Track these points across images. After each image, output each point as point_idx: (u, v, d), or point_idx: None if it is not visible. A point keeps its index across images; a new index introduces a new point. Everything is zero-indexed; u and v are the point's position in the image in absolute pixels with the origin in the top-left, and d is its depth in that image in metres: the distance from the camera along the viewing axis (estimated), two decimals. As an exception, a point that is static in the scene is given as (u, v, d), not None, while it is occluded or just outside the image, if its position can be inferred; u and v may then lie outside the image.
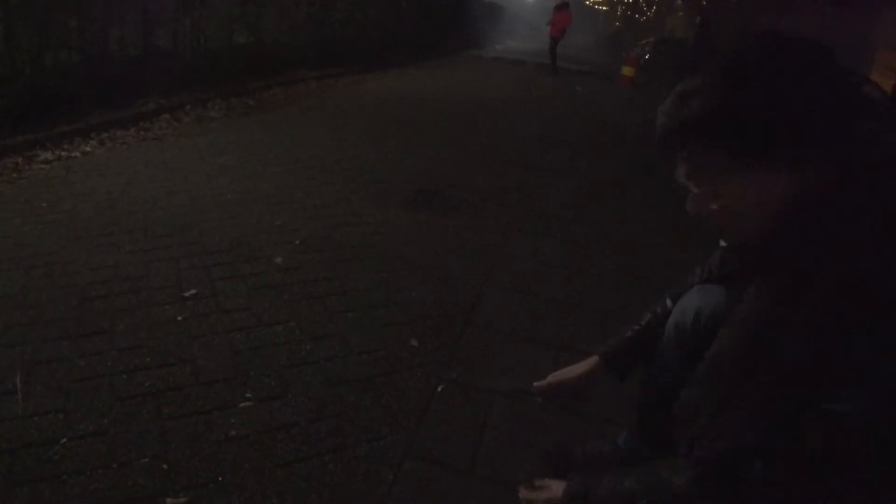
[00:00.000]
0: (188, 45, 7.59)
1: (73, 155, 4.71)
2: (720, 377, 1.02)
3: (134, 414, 1.97)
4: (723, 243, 1.27)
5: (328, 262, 3.22)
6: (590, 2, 38.59)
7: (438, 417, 2.10)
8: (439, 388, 2.27)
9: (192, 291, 2.77)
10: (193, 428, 1.93)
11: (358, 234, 3.63)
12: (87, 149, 4.90)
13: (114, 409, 1.98)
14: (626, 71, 16.75)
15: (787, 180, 0.88)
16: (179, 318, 2.54)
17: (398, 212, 4.07)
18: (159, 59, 7.06)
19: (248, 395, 2.11)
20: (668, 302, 1.56)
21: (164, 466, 1.76)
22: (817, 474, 0.86)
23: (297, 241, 3.43)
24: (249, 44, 8.95)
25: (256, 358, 2.33)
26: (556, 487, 1.36)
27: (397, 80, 11.38)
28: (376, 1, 12.70)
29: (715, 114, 0.88)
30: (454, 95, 9.95)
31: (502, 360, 2.47)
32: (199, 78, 7.46)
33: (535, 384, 1.74)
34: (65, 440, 1.83)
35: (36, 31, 5.42)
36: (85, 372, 2.15)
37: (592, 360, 1.66)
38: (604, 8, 37.88)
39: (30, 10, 5.31)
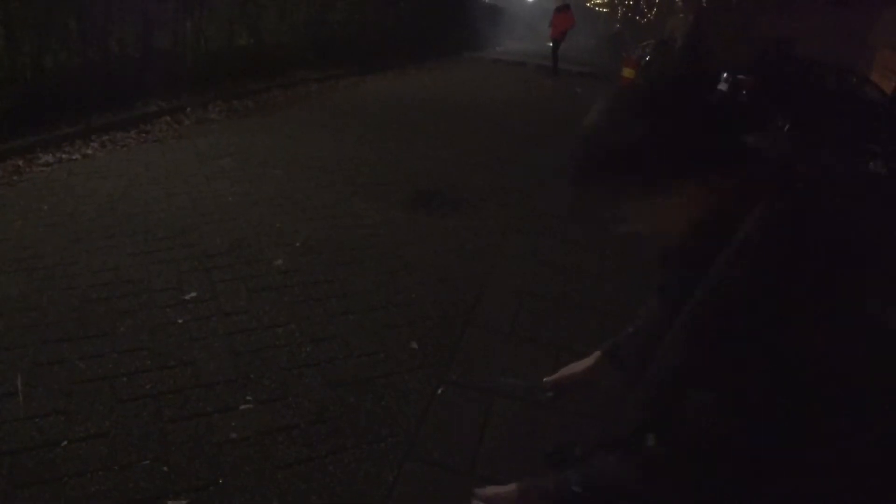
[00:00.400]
0: (188, 46, 7.59)
1: (73, 157, 4.71)
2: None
3: (135, 416, 1.97)
4: None
5: (328, 264, 3.22)
6: (591, 3, 38.62)
7: (439, 419, 2.11)
8: (439, 390, 2.28)
9: (193, 294, 2.77)
10: (194, 430, 1.93)
11: (358, 235, 3.64)
12: (88, 151, 4.90)
13: (115, 412, 1.98)
14: (627, 73, 16.74)
15: (695, 200, 1.00)
16: (180, 321, 2.55)
17: (398, 213, 4.07)
18: (159, 61, 7.05)
19: (249, 397, 2.12)
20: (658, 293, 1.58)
21: (165, 468, 1.76)
22: (694, 452, 0.94)
23: (298, 244, 3.43)
24: (249, 45, 8.94)
25: (257, 360, 2.33)
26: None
27: (397, 81, 11.38)
28: (376, 2, 12.69)
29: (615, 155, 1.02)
30: (454, 96, 9.95)
31: (502, 361, 2.48)
32: (200, 80, 7.45)
33: (545, 379, 1.72)
34: (66, 442, 1.83)
35: (36, 33, 5.41)
36: (86, 374, 2.16)
37: (596, 355, 1.67)
38: (604, 10, 37.90)
39: (30, 11, 5.31)
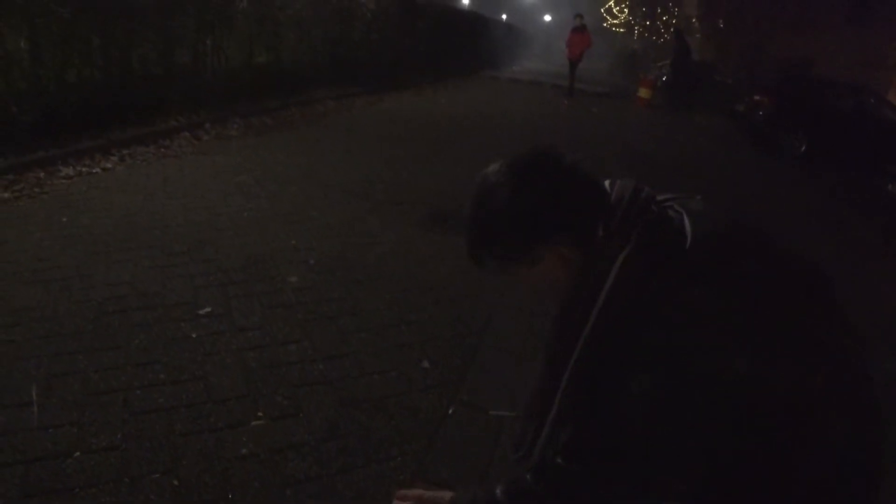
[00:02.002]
0: (208, 64, 7.71)
1: (93, 171, 4.79)
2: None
3: (147, 429, 1.98)
4: None
5: (342, 282, 3.24)
6: (607, 23, 38.77)
7: (449, 439, 2.10)
8: (450, 411, 2.27)
9: (207, 309, 2.80)
10: (205, 445, 1.94)
11: (372, 254, 3.66)
12: (108, 165, 4.98)
13: (127, 424, 2.00)
14: (643, 93, 16.77)
15: (548, 268, 1.13)
16: (194, 336, 2.57)
17: (412, 231, 4.09)
18: (180, 78, 7.17)
19: (260, 413, 2.12)
20: None
21: (175, 482, 1.77)
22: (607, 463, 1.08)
23: (312, 261, 3.45)
24: (268, 63, 9.08)
25: (269, 376, 2.34)
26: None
27: (413, 99, 11.48)
28: (393, 22, 12.83)
29: (476, 242, 1.19)
30: (470, 116, 10.01)
31: (514, 382, 2.46)
32: (219, 96, 7.57)
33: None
34: (78, 453, 1.85)
35: (60, 49, 5.53)
36: (100, 386, 2.18)
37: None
38: (621, 30, 38.03)
39: (54, 28, 5.43)
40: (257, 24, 8.52)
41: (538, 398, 1.18)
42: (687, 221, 1.06)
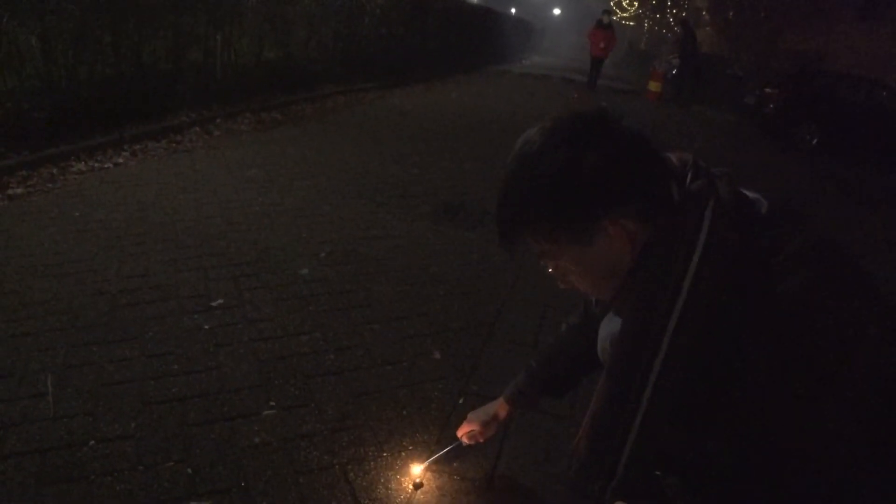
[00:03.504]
0: (219, 60, 7.74)
1: (105, 166, 4.82)
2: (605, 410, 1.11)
3: (161, 419, 2.00)
4: None
5: (353, 275, 3.25)
6: (617, 17, 38.58)
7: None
8: (461, 401, 2.28)
9: (220, 301, 2.81)
10: (218, 434, 1.96)
11: (383, 247, 3.66)
12: (120, 160, 5.01)
13: (141, 414, 2.01)
14: (653, 86, 16.72)
15: (610, 246, 0.98)
16: (207, 327, 2.58)
17: (422, 225, 4.10)
18: (191, 73, 7.20)
19: (273, 403, 2.14)
20: (563, 326, 1.67)
21: (189, 471, 1.79)
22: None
23: (323, 254, 3.46)
24: (278, 59, 9.09)
25: (281, 367, 2.36)
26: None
27: (423, 94, 11.47)
28: (403, 17, 12.82)
29: (516, 218, 1.05)
30: (479, 110, 10.00)
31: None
32: (230, 92, 7.59)
33: (457, 433, 1.87)
34: (93, 442, 1.87)
35: (71, 45, 5.57)
36: (114, 377, 2.20)
37: (500, 402, 1.81)
38: (631, 23, 37.85)
39: (66, 24, 5.47)
40: (267, 20, 8.53)
41: (610, 411, 1.04)
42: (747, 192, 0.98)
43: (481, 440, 1.84)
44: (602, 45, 15.75)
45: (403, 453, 1.96)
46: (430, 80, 13.52)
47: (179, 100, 6.74)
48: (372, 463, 1.90)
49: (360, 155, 5.92)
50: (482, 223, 4.23)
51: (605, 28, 15.73)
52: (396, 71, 12.26)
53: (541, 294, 3.22)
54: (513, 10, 47.35)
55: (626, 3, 38.35)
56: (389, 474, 1.87)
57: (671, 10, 29.60)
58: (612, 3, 39.16)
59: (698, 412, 0.95)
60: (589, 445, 1.17)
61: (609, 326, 1.47)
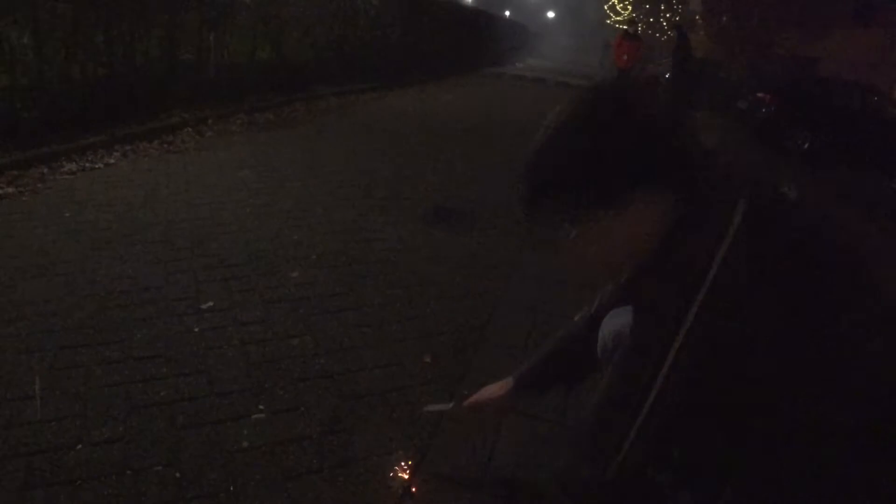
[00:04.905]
0: (212, 60, 7.71)
1: (97, 166, 4.80)
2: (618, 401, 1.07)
3: (149, 422, 1.99)
4: None
5: (344, 278, 3.25)
6: (611, 20, 38.71)
7: (449, 433, 2.11)
8: (451, 405, 2.27)
9: (210, 304, 2.80)
10: (207, 437, 1.95)
11: (374, 250, 3.66)
12: (111, 160, 4.99)
13: (129, 417, 2.00)
14: (645, 90, 16.70)
15: (643, 218, 0.98)
16: (196, 330, 2.57)
17: (414, 228, 4.09)
18: (183, 74, 7.17)
19: (262, 406, 2.13)
20: (577, 318, 1.66)
21: (177, 474, 1.78)
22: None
23: (314, 256, 3.46)
24: (272, 59, 9.08)
25: (271, 370, 2.35)
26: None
27: (417, 96, 11.47)
28: (397, 19, 12.83)
29: (549, 184, 1.03)
30: (473, 112, 10.01)
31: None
32: (222, 92, 7.58)
33: (465, 403, 1.83)
34: (80, 446, 1.85)
35: (64, 45, 5.54)
36: (102, 379, 2.18)
37: (509, 382, 1.75)
38: (624, 27, 37.98)
39: (58, 24, 5.44)
40: (261, 20, 8.52)
41: (622, 392, 1.03)
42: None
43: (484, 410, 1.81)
44: (625, 56, 15.41)
45: (393, 457, 1.96)
46: (424, 82, 13.52)
47: (172, 100, 6.71)
48: (361, 467, 1.90)
49: (352, 157, 5.91)
50: (474, 226, 4.24)
51: (630, 39, 15.40)
52: (390, 73, 12.26)
53: (532, 298, 3.23)
54: (507, 13, 47.46)
55: (620, 7, 38.45)
56: (379, 479, 1.86)
57: (664, 15, 29.72)
58: (605, 7, 39.33)
59: (709, 394, 0.93)
60: (590, 431, 1.17)
61: (612, 322, 1.47)
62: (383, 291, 3.14)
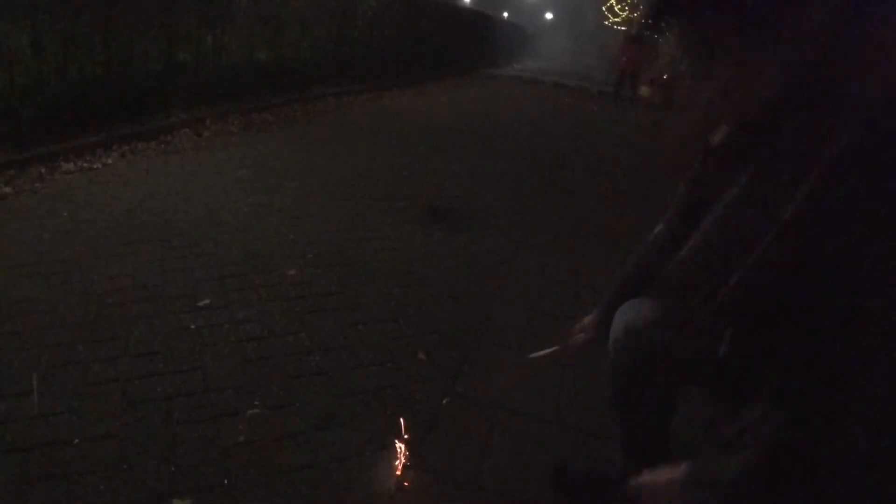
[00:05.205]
0: (210, 60, 7.73)
1: (95, 166, 4.81)
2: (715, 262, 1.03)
3: (145, 418, 2.01)
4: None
5: (340, 276, 3.27)
6: (608, 21, 38.75)
7: (444, 430, 2.13)
8: (445, 402, 2.30)
9: (206, 301, 2.82)
10: (202, 433, 1.97)
11: (371, 249, 3.68)
12: (109, 160, 5.01)
13: (126, 413, 2.02)
14: (644, 91, 16.77)
15: (784, 51, 0.88)
16: (193, 327, 2.59)
17: (411, 228, 4.11)
18: (181, 74, 7.18)
19: (257, 402, 2.15)
20: (649, 238, 1.60)
21: (172, 469, 1.80)
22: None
23: (311, 255, 3.48)
24: (270, 60, 9.10)
25: (266, 367, 2.37)
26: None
27: (415, 97, 11.50)
28: (395, 20, 12.86)
29: None
30: (470, 113, 10.03)
31: (509, 376, 2.49)
32: (220, 93, 7.60)
33: (562, 344, 1.81)
34: (77, 441, 1.87)
35: (62, 45, 5.56)
36: (99, 376, 2.20)
37: (595, 316, 1.72)
38: (622, 28, 37.99)
39: (56, 23, 5.46)
40: (259, 20, 8.54)
41: (730, 241, 0.97)
42: None
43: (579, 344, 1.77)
44: (624, 58, 15.39)
45: (387, 452, 1.97)
46: (421, 82, 13.55)
47: (170, 100, 6.72)
48: (355, 463, 1.92)
49: (349, 157, 5.93)
50: (471, 227, 4.26)
51: (632, 42, 15.42)
52: (388, 73, 12.29)
53: (528, 298, 3.25)
54: (505, 14, 47.49)
55: (619, 8, 38.49)
56: (372, 474, 1.88)
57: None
58: (604, 8, 39.36)
59: (791, 288, 0.87)
60: (685, 276, 1.19)
61: (622, 318, 1.49)
62: (379, 290, 3.16)
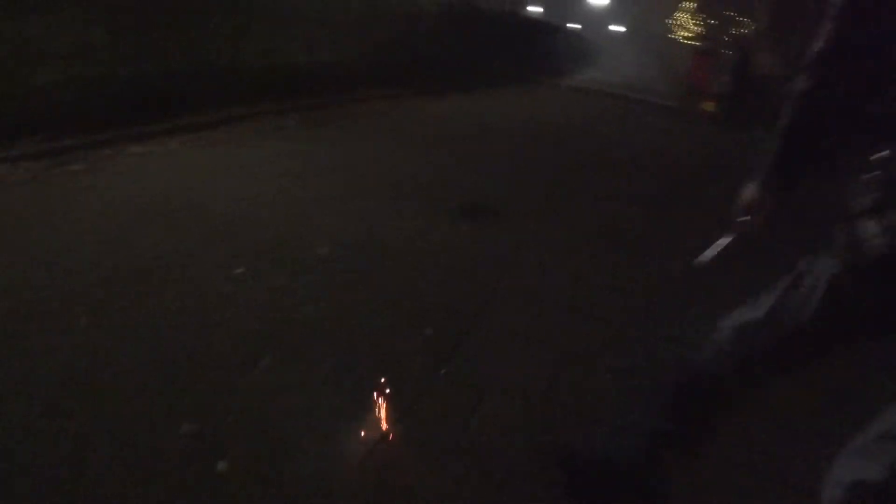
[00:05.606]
0: (271, 59, 8.16)
1: (157, 151, 5.23)
2: None
3: (170, 359, 2.30)
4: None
5: (367, 258, 3.51)
6: (675, 34, 38.24)
7: (437, 397, 2.33)
8: (443, 371, 2.50)
9: (241, 270, 3.12)
10: (217, 376, 2.24)
11: (399, 237, 3.91)
12: (172, 146, 5.42)
13: (155, 352, 2.33)
14: (706, 105, 16.55)
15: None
16: (225, 291, 2.89)
17: (440, 221, 4.32)
18: (245, 72, 7.63)
19: (270, 356, 2.41)
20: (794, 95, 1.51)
21: (187, 400, 2.08)
22: None
23: (342, 238, 3.73)
24: (329, 61, 9.49)
25: (284, 328, 2.63)
26: None
27: (467, 102, 11.69)
28: (453, 26, 13.12)
29: None
30: (521, 120, 10.16)
31: (505, 355, 2.67)
32: (280, 90, 8.00)
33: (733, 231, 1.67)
34: (113, 368, 2.18)
35: (135, 40, 6.04)
36: (136, 320, 2.55)
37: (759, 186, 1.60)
38: (692, 42, 37.43)
39: (130, 21, 5.95)
40: (319, 24, 8.94)
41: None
42: None
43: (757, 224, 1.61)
44: (694, 71, 15.23)
45: (377, 415, 2.17)
46: (478, 89, 13.73)
47: (233, 95, 7.16)
48: (350, 412, 2.14)
49: (393, 155, 6.20)
50: (497, 223, 4.43)
51: (702, 55, 15.26)
52: (444, 78, 12.55)
53: (539, 291, 3.42)
54: (575, 26, 47.25)
55: (693, 24, 37.92)
56: (364, 427, 2.09)
57: (735, 31, 29.22)
58: (673, 22, 38.85)
59: None
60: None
61: (734, 321, 1.61)
62: (400, 272, 3.39)
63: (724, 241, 1.66)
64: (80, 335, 2.39)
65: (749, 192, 1.60)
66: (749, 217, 1.59)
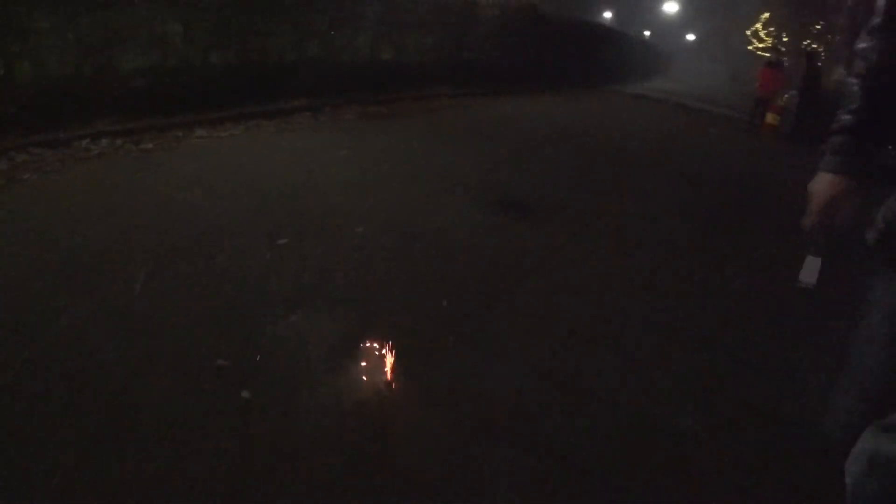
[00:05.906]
0: (335, 56, 8.58)
1: (222, 135, 5.67)
2: None
3: (210, 304, 2.63)
4: None
5: (402, 239, 3.79)
6: (752, 47, 37.35)
7: (441, 363, 2.55)
8: (450, 340, 2.74)
9: (284, 241, 3.45)
10: (248, 325, 2.55)
11: (435, 223, 4.18)
12: (235, 132, 5.86)
13: (198, 303, 2.66)
14: (770, 118, 16.22)
15: None
16: (267, 256, 3.22)
17: (476, 211, 4.56)
18: (309, 66, 8.07)
19: (298, 312, 2.71)
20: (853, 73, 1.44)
21: (222, 344, 2.39)
22: None
23: (379, 220, 4.03)
24: (392, 60, 9.87)
25: (313, 291, 2.93)
26: None
27: (527, 105, 11.91)
28: (517, 29, 13.33)
29: None
30: (576, 123, 10.30)
31: (515, 333, 2.88)
32: (343, 85, 8.43)
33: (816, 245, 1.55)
34: (156, 316, 2.52)
35: (208, 34, 6.52)
36: (188, 278, 2.88)
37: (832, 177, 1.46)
38: (766, 54, 36.51)
39: (204, 16, 6.43)
40: (385, 24, 9.32)
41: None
42: None
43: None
44: (766, 84, 14.92)
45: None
46: (538, 92, 13.94)
47: (296, 88, 7.61)
48: (360, 363, 2.41)
49: (443, 150, 6.48)
50: (531, 219, 4.63)
51: (772, 67, 15.01)
52: (505, 80, 12.79)
53: (561, 282, 3.62)
54: (646, 33, 46.70)
55: (765, 34, 37.01)
56: (370, 374, 2.35)
57: (809, 44, 28.45)
58: (748, 33, 37.97)
59: None
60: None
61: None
62: (430, 254, 3.65)
63: (814, 260, 1.53)
64: (141, 286, 2.75)
65: (824, 185, 1.44)
66: (829, 213, 1.44)
